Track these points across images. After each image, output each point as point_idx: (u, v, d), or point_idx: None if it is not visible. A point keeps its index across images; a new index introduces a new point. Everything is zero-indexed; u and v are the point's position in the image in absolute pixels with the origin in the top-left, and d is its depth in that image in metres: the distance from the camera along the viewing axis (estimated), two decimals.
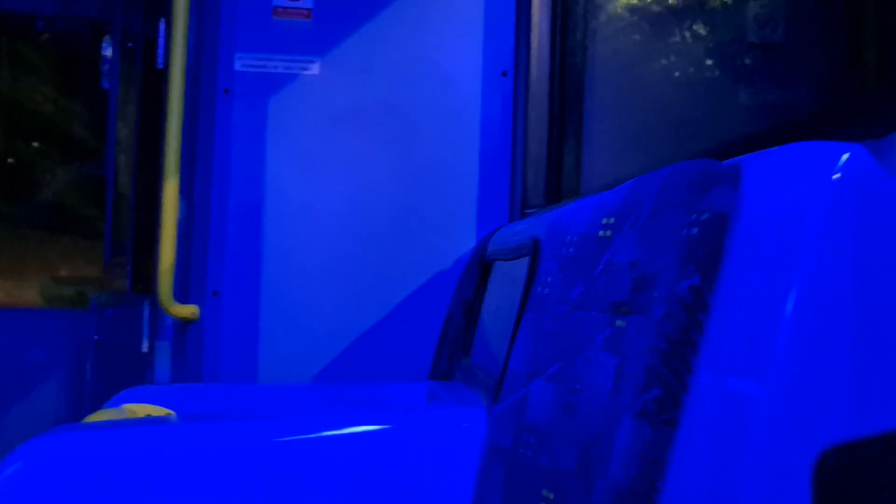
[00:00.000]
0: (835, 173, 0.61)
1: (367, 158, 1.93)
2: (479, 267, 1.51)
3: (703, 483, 0.64)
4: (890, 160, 0.66)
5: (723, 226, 0.65)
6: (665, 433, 0.63)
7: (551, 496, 0.85)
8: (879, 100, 0.67)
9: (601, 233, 0.91)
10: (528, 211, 1.84)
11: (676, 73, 1.59)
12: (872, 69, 0.70)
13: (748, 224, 0.65)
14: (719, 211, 0.66)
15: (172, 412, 1.29)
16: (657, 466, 0.63)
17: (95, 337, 2.52)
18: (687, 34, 1.53)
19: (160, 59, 2.12)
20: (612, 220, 0.90)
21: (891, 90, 0.66)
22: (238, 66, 1.92)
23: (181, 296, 1.90)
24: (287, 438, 1.07)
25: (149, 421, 1.16)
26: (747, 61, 1.27)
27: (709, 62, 1.45)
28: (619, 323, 0.81)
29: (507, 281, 1.37)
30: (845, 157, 0.62)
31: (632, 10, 1.71)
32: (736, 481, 0.63)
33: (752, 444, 0.63)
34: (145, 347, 1.99)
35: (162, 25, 2.11)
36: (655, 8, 1.62)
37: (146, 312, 2.00)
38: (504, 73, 1.95)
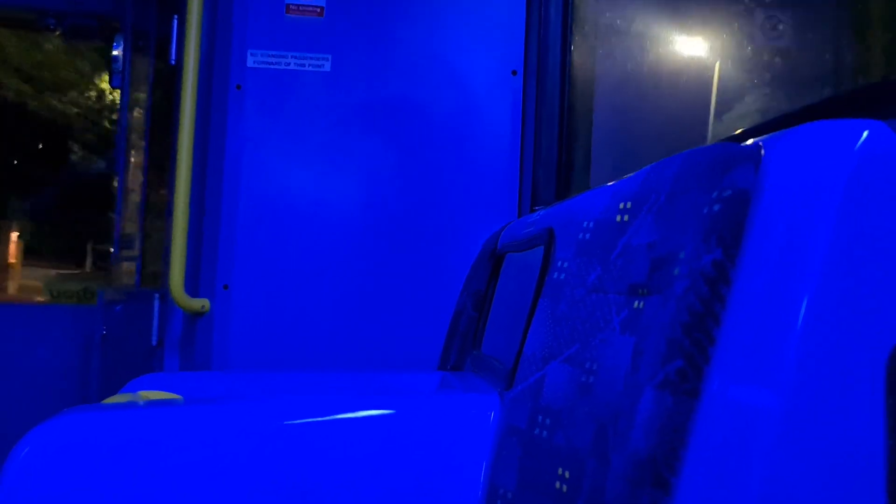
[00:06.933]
0: (855, 149, 0.63)
1: (376, 155, 1.95)
2: (491, 260, 1.52)
3: (724, 454, 0.65)
4: None
5: (745, 202, 0.67)
6: (687, 403, 0.64)
7: (567, 474, 0.86)
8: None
9: (618, 217, 0.92)
10: (537, 208, 1.85)
11: (686, 72, 1.61)
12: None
13: (769, 202, 0.67)
14: (742, 188, 0.67)
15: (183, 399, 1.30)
16: (679, 435, 0.64)
17: (103, 331, 2.53)
18: (696, 35, 1.55)
19: (173, 56, 2.14)
20: (628, 205, 0.91)
21: None
22: (250, 62, 1.94)
23: (191, 290, 1.91)
24: (298, 421, 1.08)
25: (161, 402, 1.17)
26: (757, 61, 1.29)
27: (718, 61, 1.47)
28: (636, 304, 0.82)
29: (518, 273, 1.38)
30: (865, 133, 0.63)
31: (642, 12, 1.73)
32: (754, 454, 0.64)
33: (773, 417, 0.64)
34: (155, 341, 2.00)
35: (175, 22, 2.13)
36: (665, 10, 1.64)
37: (156, 306, 2.01)
38: (514, 72, 1.97)
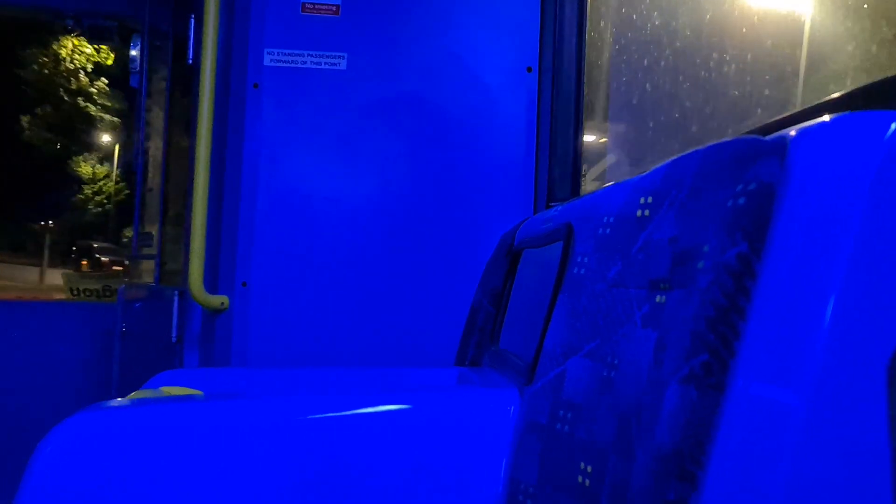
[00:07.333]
0: (882, 141, 0.63)
1: (392, 152, 1.96)
2: (508, 256, 1.53)
3: (751, 449, 0.65)
4: None
5: (770, 196, 0.66)
6: (712, 397, 0.64)
7: (589, 469, 0.86)
8: None
9: (638, 212, 0.92)
10: (553, 204, 1.85)
11: (702, 69, 1.60)
12: None
13: (795, 195, 0.66)
14: (766, 181, 0.67)
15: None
16: (704, 429, 0.64)
17: (123, 328, 2.55)
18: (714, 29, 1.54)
19: (191, 55, 2.15)
20: (649, 200, 0.91)
21: None
22: (267, 61, 1.95)
23: (210, 287, 1.93)
24: (318, 416, 1.09)
25: (184, 398, 1.18)
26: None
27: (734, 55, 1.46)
28: (658, 299, 0.82)
29: (536, 269, 1.39)
30: (893, 126, 0.63)
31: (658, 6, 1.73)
32: (781, 449, 0.64)
33: (799, 413, 0.64)
34: (175, 337, 2.02)
35: (192, 22, 2.15)
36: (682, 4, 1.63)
37: (176, 303, 2.03)
38: (529, 69, 1.97)
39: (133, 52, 2.58)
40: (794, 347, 0.64)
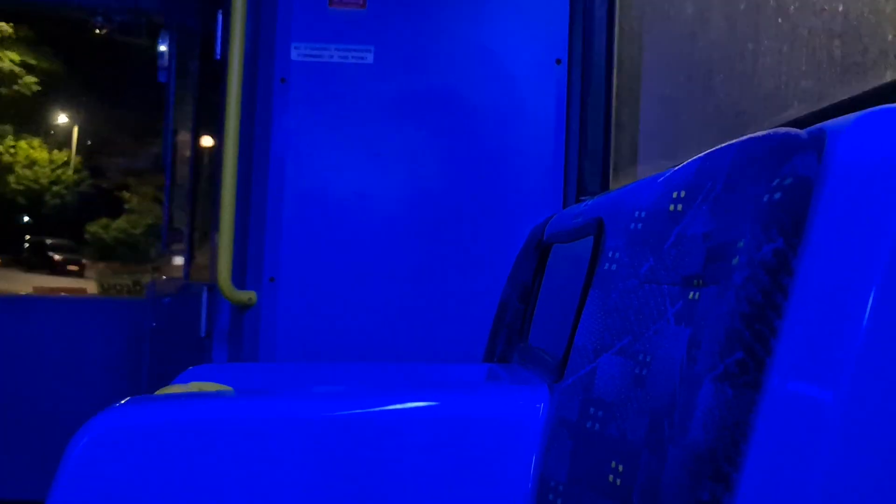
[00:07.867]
0: None
1: (420, 146, 1.95)
2: (537, 251, 1.51)
3: (787, 449, 0.63)
4: None
5: (807, 190, 0.65)
6: (747, 396, 0.63)
7: (620, 468, 0.85)
8: None
9: (671, 207, 0.91)
10: (583, 198, 1.83)
11: (737, 59, 1.57)
12: None
13: (833, 190, 0.65)
14: (803, 175, 0.65)
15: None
16: (739, 429, 0.63)
17: (153, 324, 2.58)
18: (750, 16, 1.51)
19: (218, 51, 2.16)
20: (682, 194, 0.89)
21: None
22: (294, 55, 1.95)
23: (238, 282, 1.94)
24: (347, 412, 1.09)
25: (215, 394, 1.18)
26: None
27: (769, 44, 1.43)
28: (691, 295, 0.81)
29: (565, 264, 1.37)
30: None
31: None
32: (817, 450, 0.63)
33: (838, 413, 0.62)
34: (203, 332, 2.03)
35: (220, 17, 2.16)
36: None
37: (204, 298, 2.04)
38: (558, 61, 1.95)
39: (161, 48, 2.60)
40: (832, 346, 0.63)
